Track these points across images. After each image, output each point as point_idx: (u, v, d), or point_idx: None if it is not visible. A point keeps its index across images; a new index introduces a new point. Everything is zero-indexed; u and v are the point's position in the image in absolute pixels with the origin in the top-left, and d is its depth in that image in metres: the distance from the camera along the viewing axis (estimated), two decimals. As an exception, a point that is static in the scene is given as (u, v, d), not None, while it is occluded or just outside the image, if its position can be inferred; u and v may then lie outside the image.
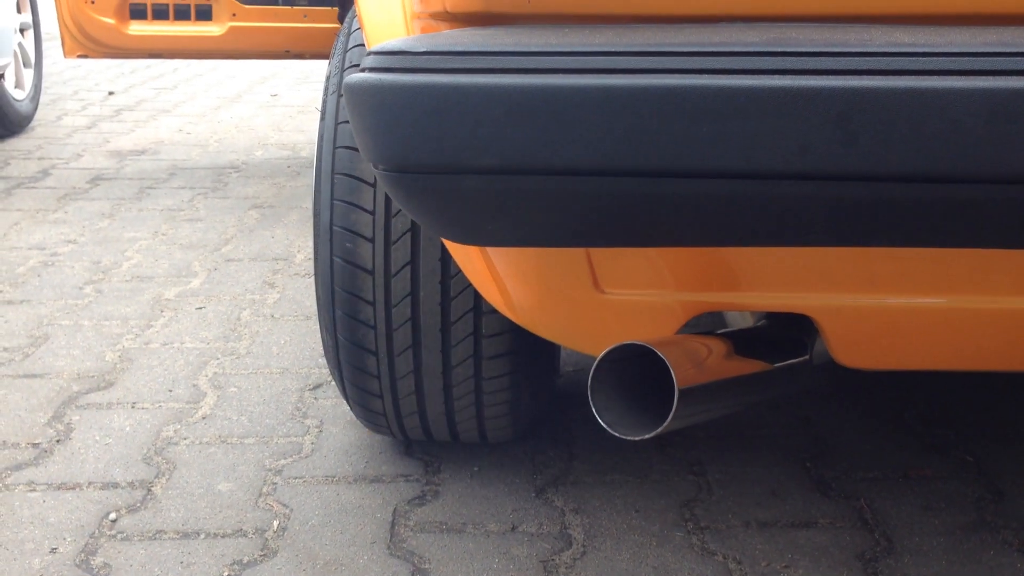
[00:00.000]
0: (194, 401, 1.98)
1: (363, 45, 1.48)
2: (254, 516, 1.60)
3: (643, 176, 0.93)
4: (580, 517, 1.61)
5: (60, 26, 3.66)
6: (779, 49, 0.91)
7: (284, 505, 1.63)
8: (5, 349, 2.21)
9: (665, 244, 1.06)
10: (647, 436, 1.07)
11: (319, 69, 6.07)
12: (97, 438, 1.84)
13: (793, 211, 0.95)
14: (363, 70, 0.97)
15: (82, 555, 1.51)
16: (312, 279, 2.62)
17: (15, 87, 4.32)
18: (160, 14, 3.68)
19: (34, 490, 1.67)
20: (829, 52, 0.90)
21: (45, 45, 5.47)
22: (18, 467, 1.74)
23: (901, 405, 1.96)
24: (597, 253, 1.24)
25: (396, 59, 0.95)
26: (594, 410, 1.09)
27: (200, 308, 2.45)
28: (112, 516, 1.60)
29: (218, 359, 2.17)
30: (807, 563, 1.50)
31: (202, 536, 1.55)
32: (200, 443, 1.82)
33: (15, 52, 4.33)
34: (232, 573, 1.47)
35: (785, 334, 1.34)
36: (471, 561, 1.50)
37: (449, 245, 1.34)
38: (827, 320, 1.24)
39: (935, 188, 0.91)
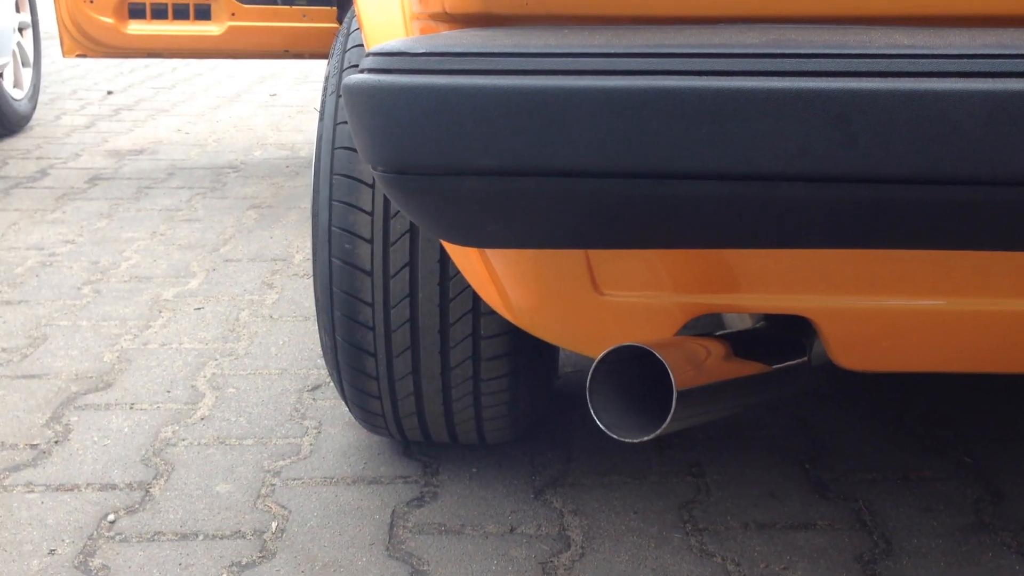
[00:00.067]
0: (192, 402, 1.98)
1: (362, 45, 1.48)
2: (252, 517, 1.60)
3: (642, 178, 0.92)
4: (579, 518, 1.61)
5: (59, 25, 3.66)
6: (778, 51, 0.91)
7: (282, 506, 1.63)
8: (3, 350, 2.21)
9: (664, 246, 1.06)
10: (646, 438, 1.07)
11: (318, 69, 6.07)
12: (95, 439, 1.84)
13: (792, 213, 0.95)
14: (362, 71, 0.96)
15: (80, 556, 1.50)
16: (311, 280, 2.61)
17: (14, 86, 4.32)
18: (159, 13, 3.68)
19: (32, 491, 1.67)
20: (828, 54, 0.90)
21: (44, 44, 5.46)
22: (16, 468, 1.74)
23: (900, 407, 1.96)
24: (596, 255, 1.23)
25: (395, 60, 0.95)
26: (592, 412, 1.08)
27: (199, 309, 2.45)
28: (111, 517, 1.60)
29: (216, 360, 2.16)
30: (806, 565, 1.50)
31: (200, 537, 1.55)
32: (198, 444, 1.82)
33: (14, 51, 4.33)
34: (231, 574, 1.47)
35: (784, 336, 1.34)
36: (470, 562, 1.50)
37: (448, 246, 1.34)
38: (826, 322, 1.24)
39: (934, 190, 0.91)
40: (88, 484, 1.69)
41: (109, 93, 5.41)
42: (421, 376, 1.54)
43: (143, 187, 3.57)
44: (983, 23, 1.04)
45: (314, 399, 1.99)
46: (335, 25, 3.66)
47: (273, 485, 1.69)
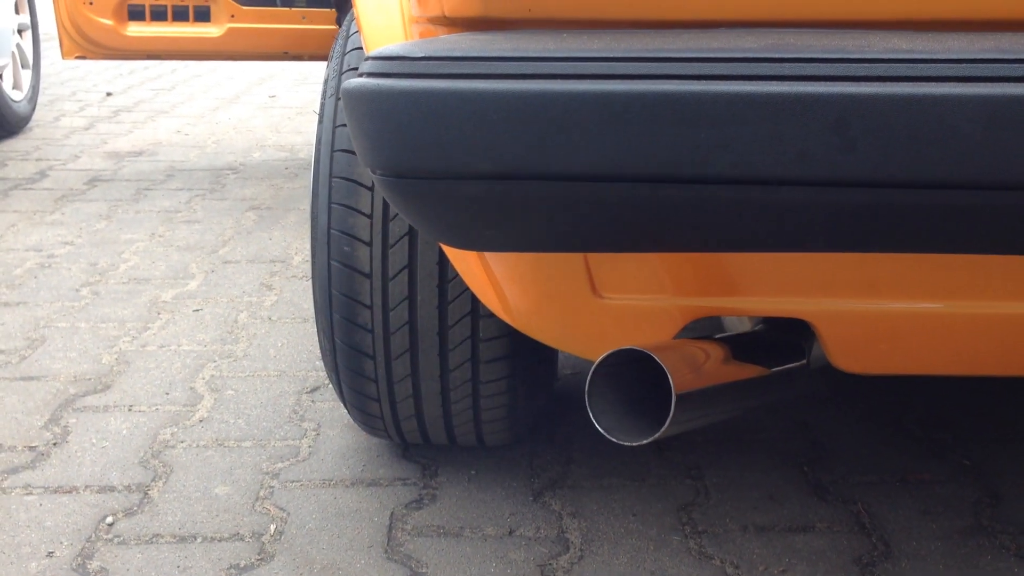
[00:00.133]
0: (191, 404, 1.98)
1: (361, 48, 1.48)
2: (251, 520, 1.60)
3: (641, 182, 0.92)
4: (577, 521, 1.61)
5: (58, 27, 3.66)
6: (777, 55, 0.91)
7: (281, 509, 1.63)
8: (2, 351, 2.21)
9: (663, 249, 1.06)
10: (644, 441, 1.07)
11: (317, 70, 6.07)
12: (94, 441, 1.84)
13: (791, 217, 0.95)
14: (361, 75, 0.96)
15: (79, 559, 1.50)
16: (309, 282, 2.61)
17: (13, 88, 4.32)
18: (158, 15, 3.69)
19: (31, 493, 1.67)
20: (827, 58, 0.90)
21: (43, 46, 5.47)
22: (14, 470, 1.74)
23: (899, 409, 1.96)
24: (595, 258, 1.23)
25: (394, 64, 0.95)
26: (591, 415, 1.08)
27: (197, 310, 2.45)
28: (109, 520, 1.60)
29: (215, 362, 2.16)
30: (804, 567, 1.50)
31: (199, 540, 1.55)
32: (197, 446, 1.82)
33: (13, 53, 4.33)
34: (229, 577, 1.47)
35: (783, 339, 1.34)
36: (468, 565, 1.50)
37: (446, 249, 1.34)
38: (825, 325, 1.24)
39: (933, 194, 0.91)
40: (86, 486, 1.69)
41: (108, 95, 5.41)
42: (420, 378, 1.54)
43: (142, 189, 3.57)
44: (981, 27, 1.04)
45: (313, 401, 1.99)
46: (334, 27, 3.66)
47: (272, 487, 1.69)
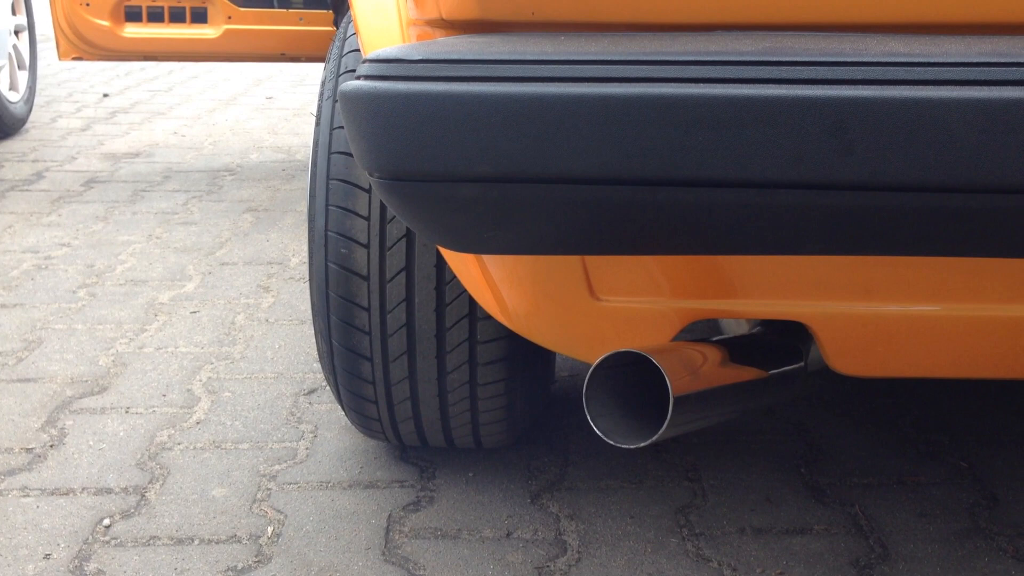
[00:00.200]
0: (188, 406, 1.97)
1: (358, 50, 1.48)
2: (248, 522, 1.60)
3: (639, 185, 0.92)
4: (575, 523, 1.61)
5: (55, 28, 3.66)
6: (775, 58, 0.91)
7: (278, 511, 1.63)
8: (-1, 353, 2.21)
9: (660, 252, 1.06)
10: (642, 444, 1.07)
11: (315, 72, 6.07)
12: (91, 443, 1.83)
13: (789, 220, 0.95)
14: (358, 77, 0.96)
15: (76, 561, 1.50)
16: (307, 283, 2.61)
17: (9, 89, 4.31)
18: (155, 16, 3.68)
19: (27, 495, 1.67)
20: (825, 62, 0.90)
21: (40, 47, 5.46)
22: (11, 472, 1.74)
23: (896, 412, 1.96)
24: (592, 260, 1.23)
25: (391, 67, 0.95)
26: (589, 417, 1.08)
27: (194, 312, 2.45)
28: (106, 522, 1.60)
29: (212, 363, 2.16)
30: (802, 569, 1.50)
31: (196, 542, 1.55)
32: (194, 448, 1.82)
33: (10, 54, 4.33)
34: (226, 579, 1.47)
35: (780, 341, 1.34)
36: (466, 567, 1.50)
37: (444, 251, 1.34)
38: (822, 327, 1.24)
39: (931, 197, 0.91)
40: (83, 488, 1.69)
41: (105, 96, 5.40)
42: (417, 380, 1.54)
43: (139, 190, 3.57)
44: (979, 31, 1.05)
45: (310, 403, 1.98)
46: (331, 29, 3.66)
47: (269, 489, 1.69)
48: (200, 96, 5.48)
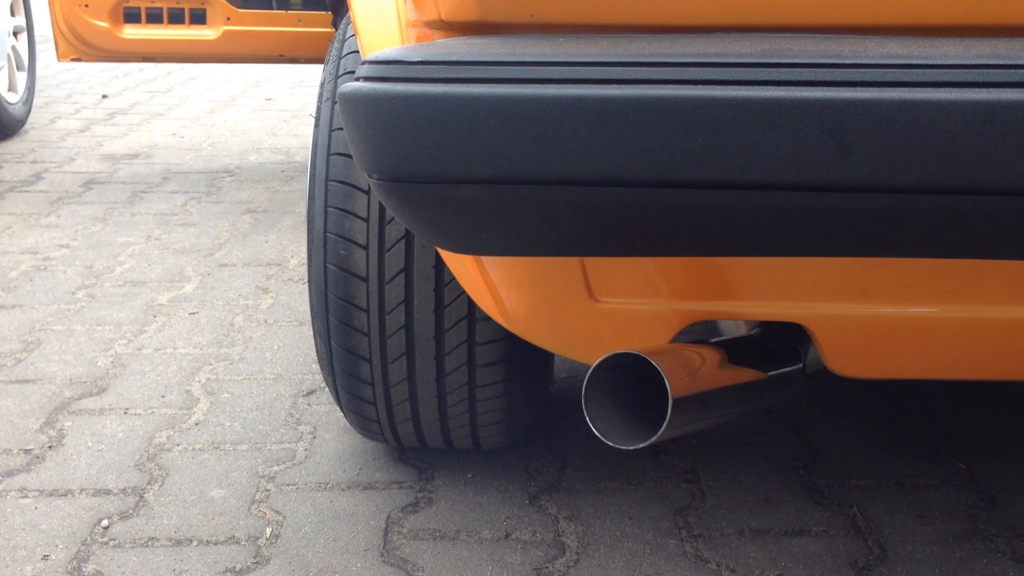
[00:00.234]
0: (187, 407, 1.97)
1: (357, 52, 1.48)
2: (247, 523, 1.60)
3: (637, 186, 0.92)
4: (574, 524, 1.61)
5: (54, 29, 3.66)
6: (774, 60, 0.91)
7: (277, 512, 1.63)
8: (-3, 354, 2.21)
9: (659, 254, 1.06)
10: (641, 445, 1.07)
11: (313, 73, 6.07)
12: (89, 444, 1.83)
13: (787, 222, 0.95)
14: (357, 79, 0.96)
15: (74, 562, 1.50)
16: (306, 285, 2.61)
17: (8, 90, 4.31)
18: (154, 18, 3.68)
19: (26, 496, 1.67)
20: (823, 63, 0.90)
21: (39, 48, 5.46)
22: (10, 473, 1.74)
23: (894, 413, 1.96)
24: (591, 262, 1.24)
25: (391, 68, 0.95)
26: (588, 419, 1.09)
27: (193, 313, 2.45)
28: (104, 523, 1.60)
29: (211, 365, 2.16)
30: (800, 571, 1.50)
31: (195, 543, 1.55)
32: (193, 449, 1.82)
33: (8, 55, 4.33)
34: (225, 581, 1.47)
35: (779, 343, 1.34)
36: (464, 568, 1.50)
37: (443, 253, 1.34)
38: (821, 329, 1.24)
39: (929, 199, 0.91)
40: (82, 489, 1.69)
41: (104, 97, 5.40)
42: (416, 382, 1.54)
43: (138, 191, 3.57)
44: (978, 32, 1.05)
45: (309, 404, 1.98)
46: (330, 30, 3.66)
47: (268, 491, 1.69)
48: (199, 97, 5.48)
